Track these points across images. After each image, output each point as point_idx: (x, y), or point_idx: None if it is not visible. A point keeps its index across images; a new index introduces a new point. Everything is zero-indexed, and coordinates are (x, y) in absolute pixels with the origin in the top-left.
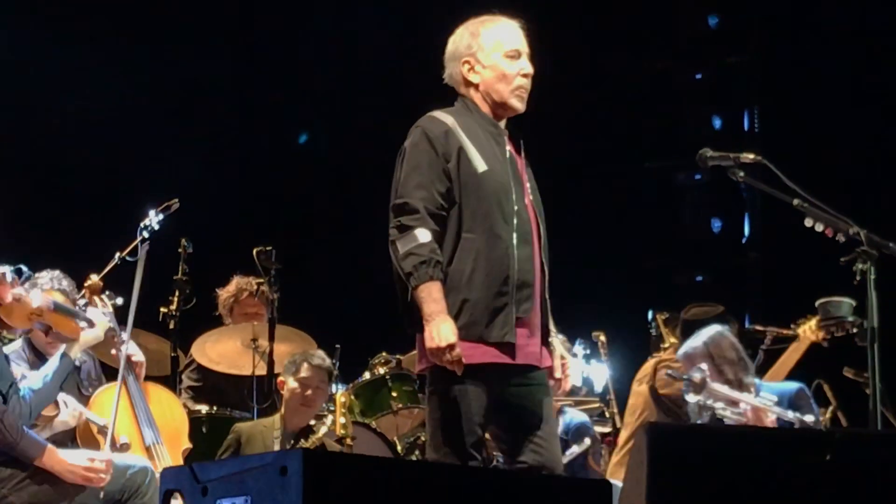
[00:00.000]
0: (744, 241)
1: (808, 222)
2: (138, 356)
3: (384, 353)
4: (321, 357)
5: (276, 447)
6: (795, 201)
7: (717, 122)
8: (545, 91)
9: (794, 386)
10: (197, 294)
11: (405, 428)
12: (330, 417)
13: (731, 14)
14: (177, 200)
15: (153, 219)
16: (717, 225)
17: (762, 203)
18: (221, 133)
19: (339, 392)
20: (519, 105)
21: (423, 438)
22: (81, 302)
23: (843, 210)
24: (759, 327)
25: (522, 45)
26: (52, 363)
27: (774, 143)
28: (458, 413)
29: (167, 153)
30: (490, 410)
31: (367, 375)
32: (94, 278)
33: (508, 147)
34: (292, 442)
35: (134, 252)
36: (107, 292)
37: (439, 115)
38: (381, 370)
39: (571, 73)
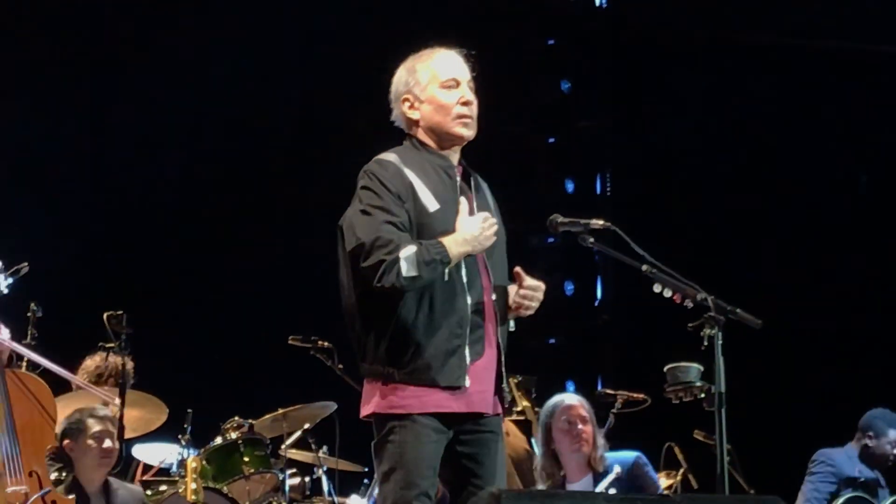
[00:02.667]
0: (596, 303)
1: (656, 288)
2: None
3: (237, 418)
4: (100, 407)
5: None
6: (644, 267)
7: (570, 186)
8: None
9: (631, 456)
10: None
11: (257, 493)
12: (182, 483)
13: (582, 79)
14: (26, 264)
15: (1, 282)
16: (569, 288)
17: (615, 267)
18: (71, 193)
19: (191, 457)
20: (464, 132)
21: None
22: None
23: (691, 275)
24: (609, 391)
25: (460, 73)
26: None
27: (625, 207)
28: (407, 459)
29: (14, 215)
30: (440, 455)
31: (218, 440)
32: None
33: (458, 179)
34: (105, 502)
35: None
36: None
37: (384, 156)
38: (233, 434)
39: None
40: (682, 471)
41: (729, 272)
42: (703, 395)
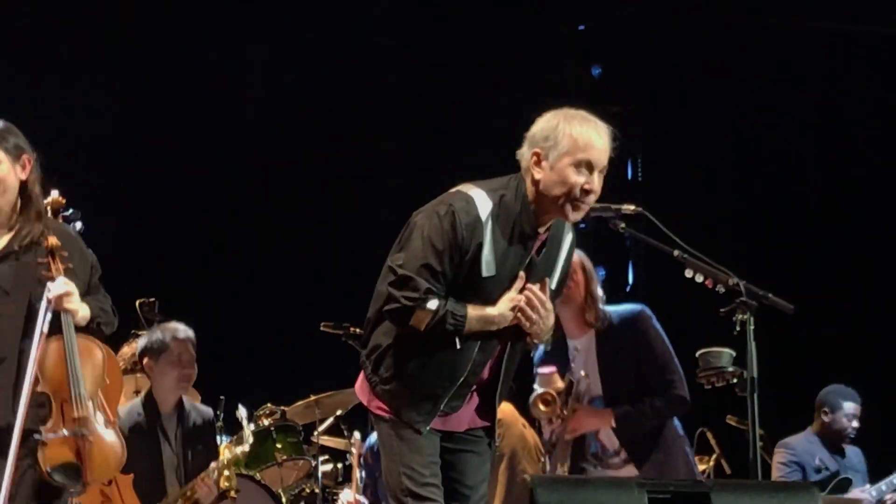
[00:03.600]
0: (628, 289)
1: (688, 273)
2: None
3: (269, 405)
4: (184, 329)
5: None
6: (676, 252)
7: None
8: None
9: (635, 308)
10: None
11: (290, 479)
12: (215, 470)
13: (613, 64)
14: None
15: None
16: (601, 274)
17: (646, 252)
18: (102, 181)
19: (224, 444)
20: (573, 215)
21: (307, 490)
22: None
23: (723, 261)
24: None
25: (598, 159)
26: None
27: (657, 192)
28: (404, 451)
29: None
30: (437, 447)
31: (251, 427)
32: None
33: (532, 252)
34: (176, 421)
35: None
36: None
37: (480, 197)
38: (266, 422)
39: (454, 129)
40: (714, 456)
41: (761, 256)
42: (735, 381)
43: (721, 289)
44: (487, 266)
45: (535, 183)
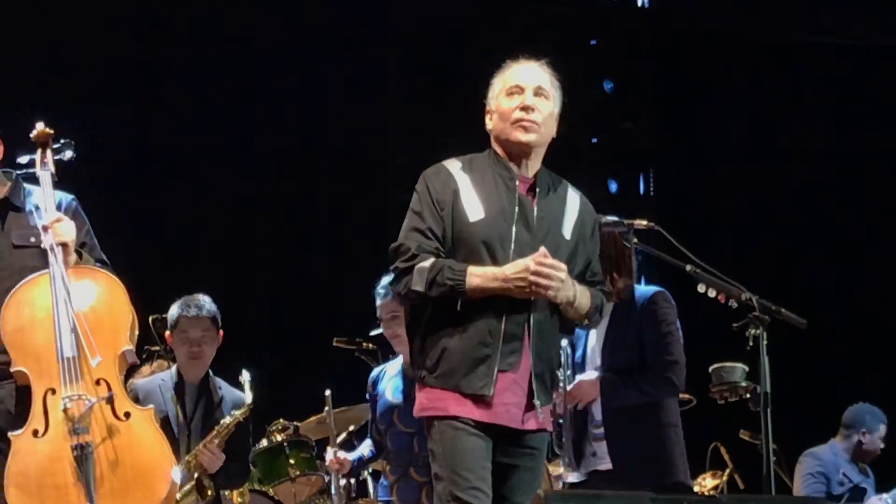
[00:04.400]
0: None
1: (700, 288)
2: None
3: (281, 420)
4: (197, 305)
5: (171, 402)
6: (688, 267)
7: (613, 186)
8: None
9: (651, 290)
10: None
11: (303, 496)
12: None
13: (625, 79)
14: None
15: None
16: None
17: (659, 267)
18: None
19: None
20: (522, 136)
21: None
22: None
23: (735, 275)
24: None
25: (527, 80)
26: None
27: (669, 207)
28: (450, 455)
29: None
30: (488, 452)
31: (264, 443)
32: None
33: (519, 192)
34: (197, 393)
35: None
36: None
37: (448, 161)
38: (279, 437)
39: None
40: (728, 471)
41: (773, 272)
42: (748, 396)
43: (734, 303)
44: (472, 210)
45: (492, 133)
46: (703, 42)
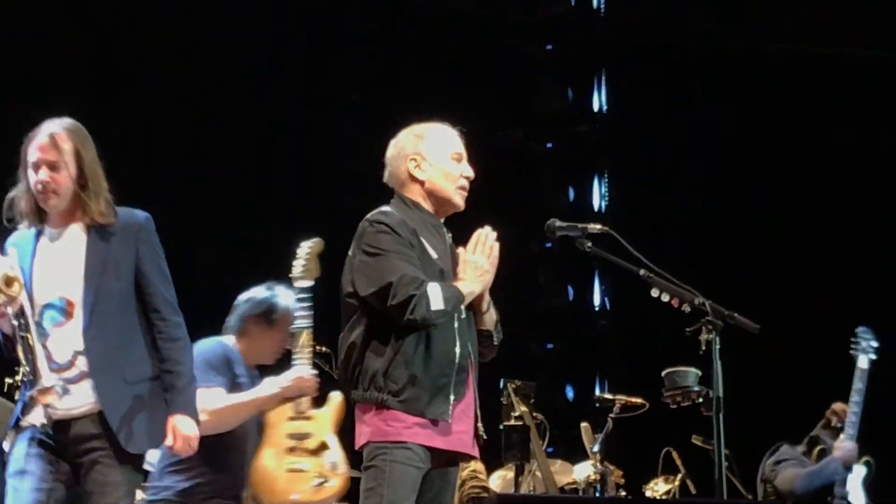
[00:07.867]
0: (595, 308)
1: (654, 292)
2: None
3: None
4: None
5: None
6: (642, 272)
7: (570, 192)
8: None
9: None
10: None
11: None
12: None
13: (581, 85)
14: None
15: None
16: (570, 293)
17: (613, 272)
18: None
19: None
20: (461, 203)
21: None
22: None
23: (689, 280)
24: (607, 396)
25: (464, 151)
26: None
27: (623, 213)
28: (394, 479)
29: None
30: (418, 484)
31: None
32: None
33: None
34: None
35: None
36: None
37: (382, 210)
38: None
39: None
40: (680, 476)
41: (727, 277)
42: (700, 400)
43: (687, 308)
44: (430, 249)
45: (421, 184)
46: (659, 46)
